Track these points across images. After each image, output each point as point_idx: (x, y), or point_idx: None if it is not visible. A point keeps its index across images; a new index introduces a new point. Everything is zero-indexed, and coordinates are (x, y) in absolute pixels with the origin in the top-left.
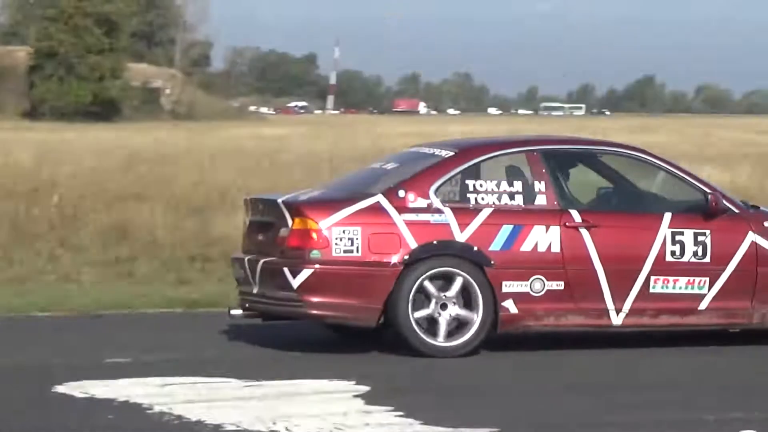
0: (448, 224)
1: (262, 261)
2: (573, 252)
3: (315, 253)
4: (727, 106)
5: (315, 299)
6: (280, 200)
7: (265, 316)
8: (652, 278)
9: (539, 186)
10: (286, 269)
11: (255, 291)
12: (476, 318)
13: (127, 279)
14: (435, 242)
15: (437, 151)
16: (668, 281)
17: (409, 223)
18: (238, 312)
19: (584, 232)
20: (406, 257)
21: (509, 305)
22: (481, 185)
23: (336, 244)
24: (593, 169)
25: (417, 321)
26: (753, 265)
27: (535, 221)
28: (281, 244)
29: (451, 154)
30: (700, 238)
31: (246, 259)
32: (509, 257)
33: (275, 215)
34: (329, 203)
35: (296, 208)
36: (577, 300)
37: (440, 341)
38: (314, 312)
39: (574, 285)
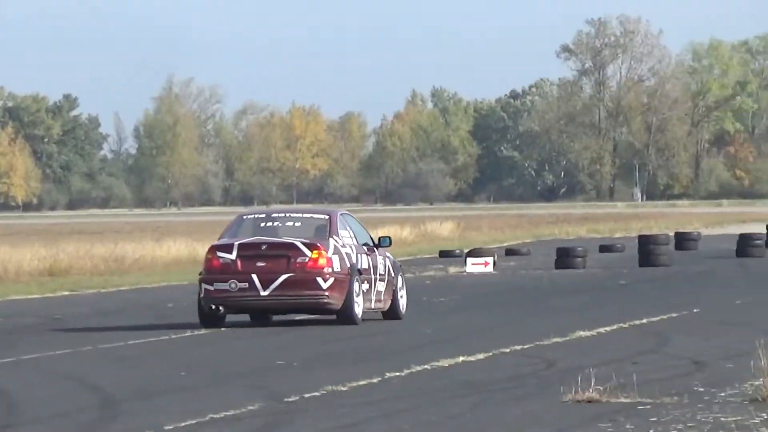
0: (350, 254)
1: (283, 275)
2: (375, 266)
3: (328, 269)
4: None
5: (332, 294)
6: (297, 242)
7: (271, 311)
8: (379, 282)
9: (350, 233)
10: (319, 278)
11: (264, 294)
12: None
13: None
14: (353, 263)
15: (315, 215)
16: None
17: (345, 253)
18: (221, 310)
19: (377, 257)
20: (350, 270)
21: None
22: (342, 233)
23: (335, 264)
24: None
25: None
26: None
27: (362, 252)
28: (300, 266)
29: (327, 216)
30: (386, 262)
31: (253, 275)
32: (364, 270)
33: (289, 250)
34: (323, 243)
35: (313, 245)
36: (371, 294)
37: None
38: (328, 301)
39: (371, 287)
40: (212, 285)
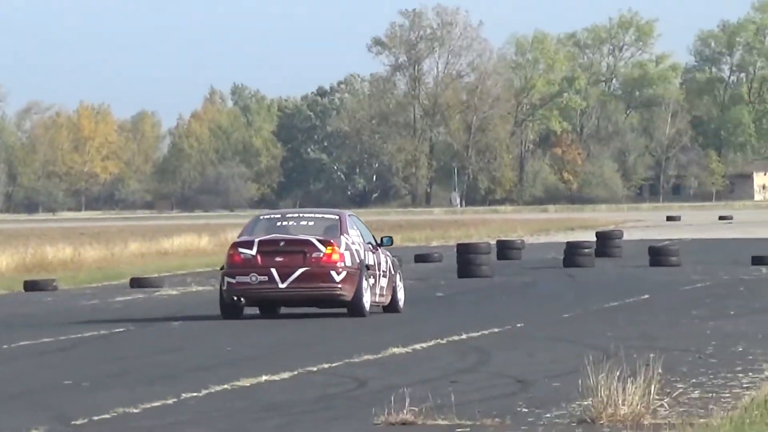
0: (359, 251)
1: (300, 269)
2: (379, 263)
3: (341, 264)
4: None
5: (344, 286)
6: (313, 239)
7: (289, 303)
8: (382, 278)
9: (357, 232)
10: (332, 272)
11: (282, 286)
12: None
13: None
14: (362, 259)
15: (326, 215)
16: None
17: (354, 249)
18: (242, 301)
19: (380, 255)
20: (359, 265)
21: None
22: (351, 232)
23: (346, 259)
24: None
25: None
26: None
27: (368, 249)
28: (315, 261)
29: (337, 217)
30: (387, 260)
31: (272, 269)
32: (370, 266)
33: (305, 246)
34: (336, 239)
35: (327, 242)
36: (375, 288)
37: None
38: (341, 293)
39: (376, 282)
40: (234, 278)
